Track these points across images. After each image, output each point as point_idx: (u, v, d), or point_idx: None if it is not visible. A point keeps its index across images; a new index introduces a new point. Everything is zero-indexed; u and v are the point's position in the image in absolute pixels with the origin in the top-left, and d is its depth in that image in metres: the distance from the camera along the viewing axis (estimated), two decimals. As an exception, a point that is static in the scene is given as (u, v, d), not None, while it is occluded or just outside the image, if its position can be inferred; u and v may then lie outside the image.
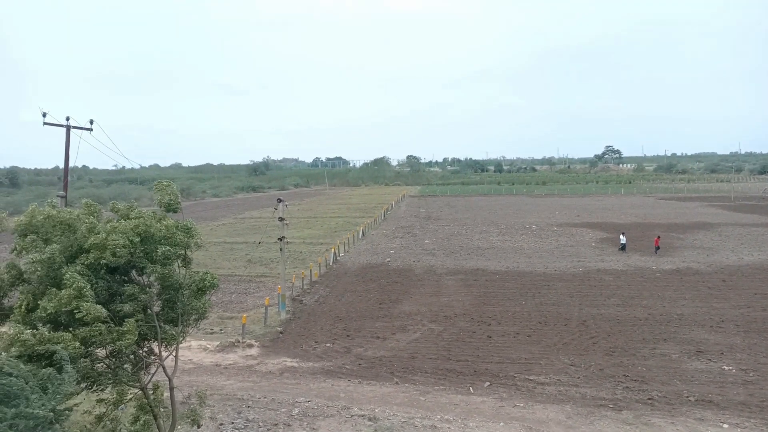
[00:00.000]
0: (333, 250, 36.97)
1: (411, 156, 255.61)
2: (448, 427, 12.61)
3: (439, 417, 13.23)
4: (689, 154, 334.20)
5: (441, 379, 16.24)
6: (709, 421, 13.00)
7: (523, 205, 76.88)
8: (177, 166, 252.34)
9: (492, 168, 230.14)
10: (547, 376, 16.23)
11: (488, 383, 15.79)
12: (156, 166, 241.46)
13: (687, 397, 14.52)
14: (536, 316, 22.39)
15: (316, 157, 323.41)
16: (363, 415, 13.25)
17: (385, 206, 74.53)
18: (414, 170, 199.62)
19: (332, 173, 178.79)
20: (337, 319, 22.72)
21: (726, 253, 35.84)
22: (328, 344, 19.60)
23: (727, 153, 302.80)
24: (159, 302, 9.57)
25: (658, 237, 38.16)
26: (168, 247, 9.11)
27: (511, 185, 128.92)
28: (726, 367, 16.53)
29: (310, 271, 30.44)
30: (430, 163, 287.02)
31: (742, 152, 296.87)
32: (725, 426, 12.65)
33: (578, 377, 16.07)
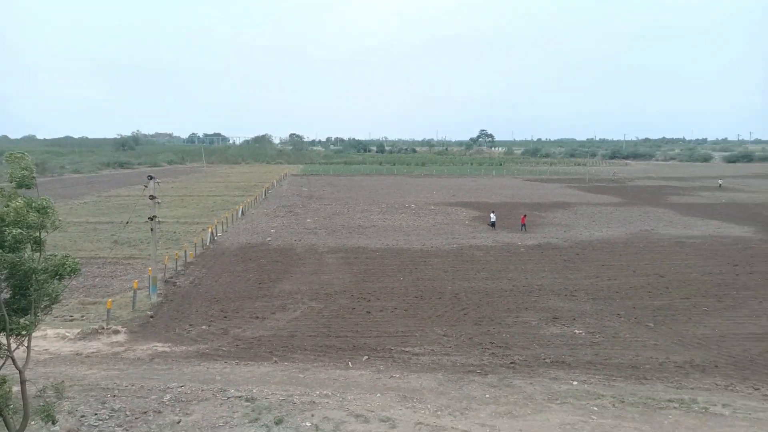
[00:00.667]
0: (210, 229, 35.53)
1: (294, 134, 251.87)
2: (327, 402, 12.79)
3: (318, 393, 13.36)
4: (553, 139, 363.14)
5: (320, 355, 16.39)
6: (562, 379, 14.42)
7: (403, 185, 79.04)
8: (30, 139, 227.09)
9: (374, 148, 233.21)
10: (422, 347, 17.00)
11: (366, 357, 16.20)
12: (5, 138, 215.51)
13: (544, 359, 15.98)
14: (413, 291, 23.28)
15: (193, 133, 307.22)
16: (240, 396, 13.01)
17: (267, 185, 72.89)
18: (297, 149, 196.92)
19: (210, 150, 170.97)
20: (213, 300, 21.96)
21: (580, 229, 39.60)
22: (203, 327, 18.92)
23: (585, 139, 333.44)
24: (8, 289, 8.63)
25: (525, 215, 41.17)
26: (20, 230, 8.20)
27: (392, 165, 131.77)
28: (577, 331, 18.38)
29: (185, 251, 29.05)
30: (313, 142, 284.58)
31: (597, 139, 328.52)
32: (575, 383, 14.10)
33: (450, 346, 17.02)
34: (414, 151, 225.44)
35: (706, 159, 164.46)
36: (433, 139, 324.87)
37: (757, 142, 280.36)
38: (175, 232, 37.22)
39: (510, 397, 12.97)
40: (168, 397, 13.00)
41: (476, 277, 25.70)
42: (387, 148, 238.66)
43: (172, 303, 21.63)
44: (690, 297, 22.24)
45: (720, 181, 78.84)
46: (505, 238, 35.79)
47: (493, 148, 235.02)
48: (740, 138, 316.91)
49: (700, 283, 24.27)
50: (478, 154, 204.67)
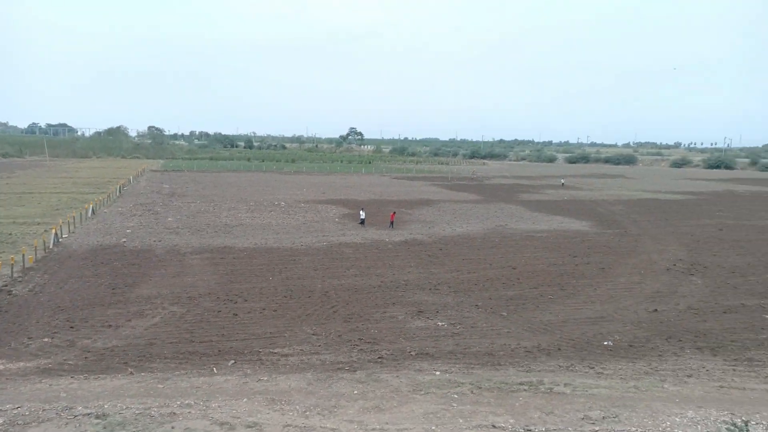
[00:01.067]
0: (54, 230, 32.07)
1: (153, 127, 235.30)
2: (189, 412, 12.15)
3: (179, 403, 12.64)
4: (419, 138, 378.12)
5: (182, 363, 15.55)
6: (426, 370, 15.08)
7: (272, 182, 77.53)
8: None
9: (242, 144, 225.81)
10: (290, 347, 16.82)
11: (233, 361, 15.67)
12: None
13: (409, 352, 16.60)
14: (282, 290, 22.95)
15: (33, 123, 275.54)
16: (89, 414, 11.90)
17: (122, 181, 67.46)
18: (156, 143, 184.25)
19: (54, 142, 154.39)
20: (57, 309, 19.87)
21: (443, 225, 41.69)
22: (45, 339, 17.04)
23: (447, 139, 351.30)
24: None
25: (394, 213, 42.41)
26: None
27: (261, 162, 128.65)
28: (440, 323, 19.34)
29: (23, 255, 25.95)
30: (175, 136, 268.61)
31: (458, 139, 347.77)
32: (437, 373, 14.82)
33: (319, 345, 17.04)
34: (284, 147, 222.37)
35: (552, 160, 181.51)
36: (303, 135, 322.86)
37: (593, 145, 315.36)
38: (10, 234, 33.11)
39: (377, 392, 13.29)
40: (0, 421, 11.52)
41: (346, 274, 25.98)
42: (255, 144, 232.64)
43: (6, 314, 19.21)
44: (538, 287, 24.39)
45: (562, 180, 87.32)
46: (374, 235, 36.59)
47: (362, 146, 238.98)
48: (579, 141, 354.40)
49: (546, 274, 26.72)
50: (348, 151, 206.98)
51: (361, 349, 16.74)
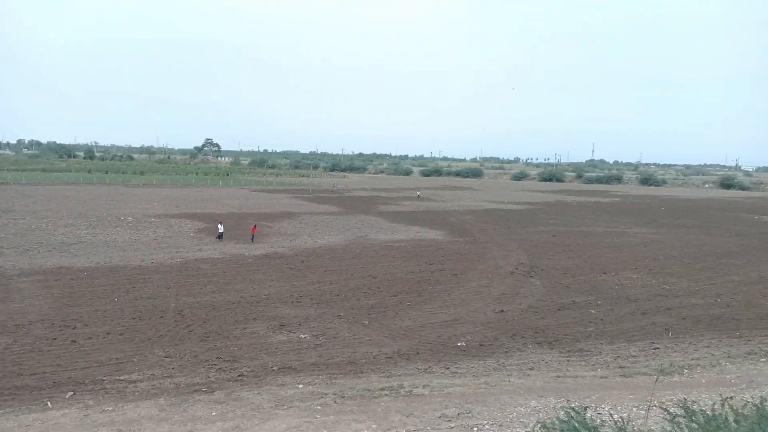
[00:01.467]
0: None
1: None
2: (17, 455, 10.70)
3: (3, 446, 11.08)
4: (278, 151, 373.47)
5: (8, 400, 13.64)
6: (289, 384, 14.82)
7: (118, 196, 71.52)
8: None
9: (82, 154, 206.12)
10: (140, 372, 15.56)
11: (72, 393, 14.09)
12: None
13: (271, 367, 16.21)
14: (130, 311, 21.20)
15: None
16: None
17: (-72, 195, 57.83)
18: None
19: None
20: None
21: (305, 237, 41.50)
22: None
23: (308, 152, 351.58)
24: None
25: (254, 226, 41.28)
26: None
27: (104, 174, 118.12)
28: (302, 336, 19.16)
29: None
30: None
31: (319, 152, 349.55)
32: (300, 386, 14.64)
33: (173, 368, 15.97)
34: (131, 158, 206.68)
35: (408, 173, 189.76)
36: (153, 146, 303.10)
37: (445, 159, 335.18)
38: None
39: (237, 411, 12.78)
40: None
41: (202, 291, 24.73)
42: (98, 155, 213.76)
43: None
44: (397, 294, 25.22)
45: (418, 192, 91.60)
46: (233, 250, 35.32)
47: (219, 158, 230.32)
48: (433, 155, 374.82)
49: (405, 281, 27.74)
50: (203, 163, 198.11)
51: (219, 369, 15.99)
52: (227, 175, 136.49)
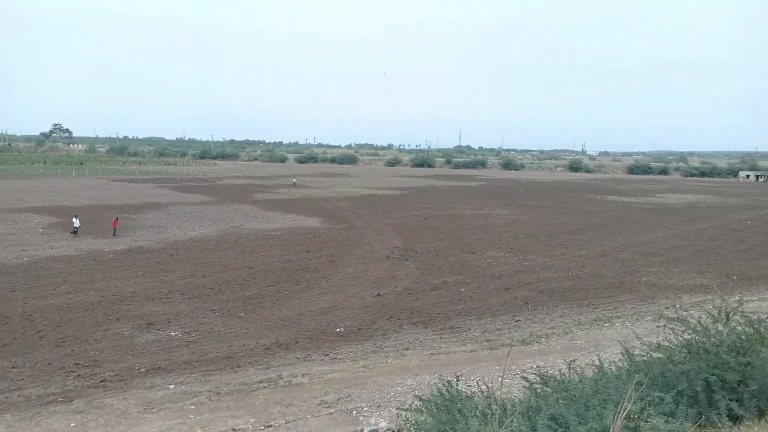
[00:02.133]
0: None
1: None
2: None
3: None
4: (140, 137, 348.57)
5: None
6: (158, 386, 13.99)
7: (-55, 189, 62.40)
8: None
9: None
10: (-19, 388, 13.79)
11: None
12: None
13: (138, 369, 15.19)
14: (-34, 320, 18.67)
15: None
16: None
17: None
18: None
19: None
20: None
21: (174, 229, 39.25)
22: None
23: (174, 139, 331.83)
24: None
25: (116, 218, 38.21)
26: None
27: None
28: (173, 333, 18.16)
29: None
30: None
31: (187, 139, 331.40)
32: (171, 386, 13.89)
33: (22, 379, 14.36)
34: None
35: (283, 160, 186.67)
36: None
37: (320, 146, 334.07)
38: None
39: (100, 419, 11.83)
40: None
41: (56, 292, 22.45)
42: None
43: None
44: (274, 284, 24.79)
45: (294, 180, 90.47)
46: (91, 246, 32.45)
47: (71, 145, 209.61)
48: (308, 142, 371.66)
49: (282, 271, 27.34)
50: (53, 151, 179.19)
51: (78, 375, 14.65)
52: (81, 164, 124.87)
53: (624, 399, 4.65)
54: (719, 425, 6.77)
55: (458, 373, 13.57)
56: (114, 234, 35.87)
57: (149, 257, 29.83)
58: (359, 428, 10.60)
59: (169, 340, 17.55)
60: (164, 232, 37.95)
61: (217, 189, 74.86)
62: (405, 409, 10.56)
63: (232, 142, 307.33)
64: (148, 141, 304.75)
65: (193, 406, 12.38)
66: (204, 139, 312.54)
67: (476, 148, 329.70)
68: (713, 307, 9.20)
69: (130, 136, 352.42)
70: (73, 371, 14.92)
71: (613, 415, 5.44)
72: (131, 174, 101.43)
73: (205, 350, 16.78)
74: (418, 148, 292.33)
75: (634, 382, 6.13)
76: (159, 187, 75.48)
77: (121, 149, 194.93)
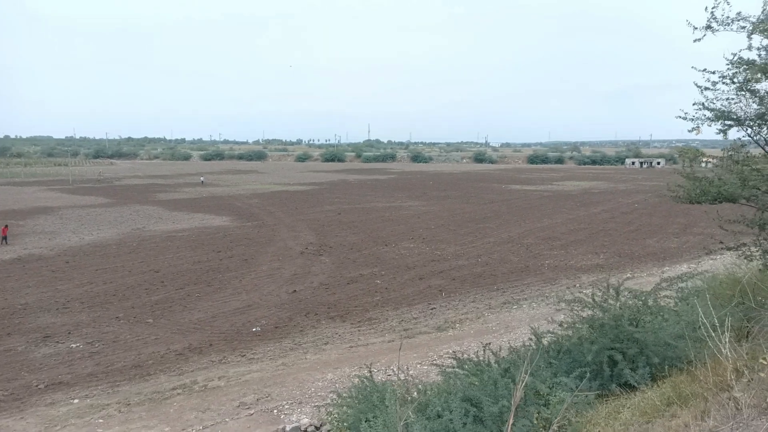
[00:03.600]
0: None
1: None
2: None
3: None
4: (24, 136, 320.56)
5: None
6: (61, 401, 13.05)
7: None
8: None
9: None
10: None
11: None
12: None
13: (37, 386, 14.06)
14: None
15: None
16: None
17: None
18: None
19: None
20: None
21: (68, 235, 36.55)
22: None
23: (64, 137, 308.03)
24: None
25: (6, 226, 34.91)
26: None
27: None
28: (74, 345, 16.97)
29: None
30: None
31: (78, 137, 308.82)
32: (75, 401, 12.99)
33: None
34: None
35: (187, 158, 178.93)
36: None
37: (226, 142, 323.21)
38: None
39: (-5, 444, 10.87)
40: None
41: (-69, 309, 20.21)
42: None
43: None
44: (184, 287, 23.81)
45: (202, 178, 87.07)
46: (-29, 256, 29.48)
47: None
48: (212, 139, 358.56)
49: (192, 273, 26.30)
50: None
51: (-35, 399, 13.33)
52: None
53: (521, 371, 4.96)
54: (618, 393, 7.38)
55: (373, 363, 13.81)
56: (5, 242, 32.78)
57: (42, 265, 27.60)
58: (281, 426, 10.48)
59: (69, 353, 16.37)
60: (57, 238, 35.24)
61: (116, 190, 70.51)
62: (325, 404, 10.61)
63: (129, 139, 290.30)
64: (33, 140, 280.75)
65: (101, 420, 11.66)
66: (97, 138, 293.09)
67: (385, 141, 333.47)
68: (603, 283, 9.98)
69: (12, 136, 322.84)
70: (-42, 395, 13.55)
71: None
72: (15, 176, 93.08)
73: (110, 360, 15.83)
74: (327, 143, 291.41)
75: (528, 355, 6.56)
76: (49, 189, 69.90)
77: (3, 150, 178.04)
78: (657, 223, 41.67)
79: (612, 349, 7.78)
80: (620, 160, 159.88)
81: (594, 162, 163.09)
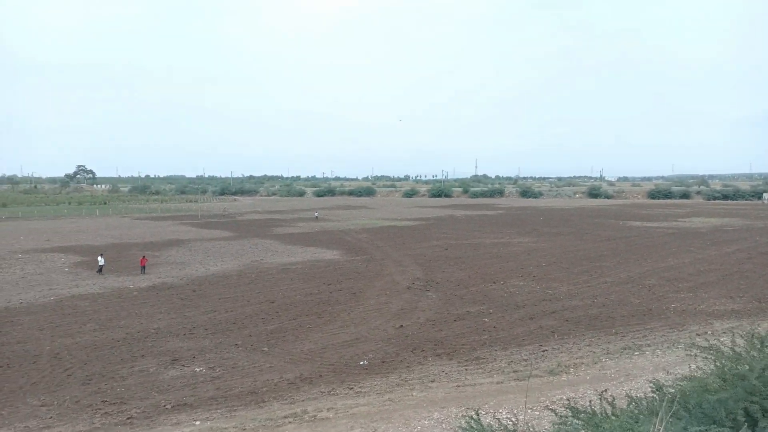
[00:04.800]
0: None
1: None
2: None
3: None
4: (162, 176, 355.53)
5: None
6: (184, 422, 13.96)
7: (-25, 231, 64.02)
8: None
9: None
10: (10, 427, 13.90)
11: (-76, 460, 12.27)
12: None
13: (164, 405, 15.19)
14: (-5, 360, 18.93)
15: None
16: None
17: None
18: None
19: None
20: None
21: (196, 265, 39.63)
22: None
23: (194, 176, 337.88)
24: None
25: (144, 257, 38.70)
26: None
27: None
28: (198, 369, 18.18)
29: None
30: None
31: (206, 176, 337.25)
32: (197, 423, 13.85)
33: (51, 417, 14.45)
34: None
35: (301, 194, 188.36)
36: (16, 175, 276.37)
37: (337, 179, 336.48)
38: None
39: (128, 458, 11.81)
40: None
41: (82, 330, 22.71)
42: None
43: None
44: (297, 317, 24.78)
45: (316, 213, 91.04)
46: (115, 283, 32.88)
47: (94, 185, 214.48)
48: (325, 176, 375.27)
49: (304, 304, 27.34)
50: (77, 192, 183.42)
51: (105, 413, 14.70)
52: (105, 203, 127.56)
53: (655, 422, 4.54)
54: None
55: (480, 406, 13.35)
56: (143, 272, 36.26)
57: (172, 293, 30.10)
58: (388, 463, 10.42)
59: (193, 376, 17.56)
60: (186, 268, 38.33)
61: (237, 224, 75.64)
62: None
63: (251, 177, 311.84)
64: (169, 179, 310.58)
65: (219, 443, 12.30)
66: (223, 176, 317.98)
67: (493, 177, 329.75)
68: (746, 332, 8.97)
69: (152, 175, 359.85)
70: (100, 408, 14.98)
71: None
72: (153, 212, 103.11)
73: (229, 385, 16.75)
74: (435, 178, 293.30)
75: (664, 404, 5.99)
76: (180, 224, 76.54)
77: (143, 188, 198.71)
78: (805, 265, 36.98)
79: (747, 401, 6.93)
80: (757, 195, 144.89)
81: (725, 197, 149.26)
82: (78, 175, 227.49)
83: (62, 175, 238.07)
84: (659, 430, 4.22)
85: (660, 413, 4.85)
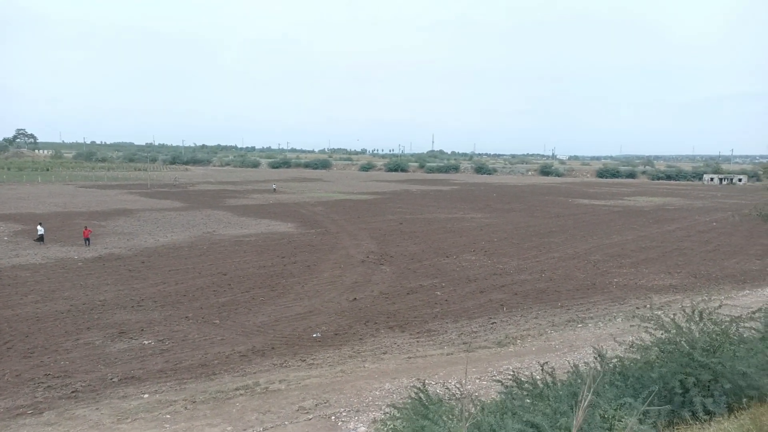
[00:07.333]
0: None
1: None
2: None
3: None
4: (109, 142, 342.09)
5: None
6: (132, 395, 13.74)
7: None
8: None
9: None
10: (-55, 402, 13.34)
11: None
12: None
13: (111, 379, 14.88)
14: (-73, 332, 18.03)
15: None
16: None
17: None
18: None
19: None
20: None
21: (144, 236, 38.57)
22: None
23: (144, 144, 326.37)
24: None
25: (87, 228, 37.11)
26: None
27: None
28: (146, 342, 17.84)
29: None
30: None
31: (157, 144, 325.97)
32: (146, 396, 13.64)
33: (-11, 392, 13.94)
34: None
35: (256, 165, 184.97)
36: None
37: (293, 150, 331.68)
38: None
39: (72, 431, 11.56)
40: None
41: (23, 301, 21.86)
42: None
43: None
44: (249, 290, 24.56)
45: (274, 185, 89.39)
46: (59, 253, 31.68)
47: (36, 151, 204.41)
48: (281, 147, 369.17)
49: (257, 277, 27.11)
50: (17, 157, 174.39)
51: (48, 387, 14.29)
52: (47, 170, 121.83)
53: (583, 390, 4.77)
54: (691, 422, 6.97)
55: (430, 377, 13.70)
56: (87, 244, 34.77)
57: (120, 265, 29.26)
58: (338, 433, 10.58)
59: (142, 349, 17.23)
60: (135, 239, 37.27)
61: (189, 195, 73.82)
62: (381, 419, 10.62)
63: (203, 147, 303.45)
64: (117, 146, 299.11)
65: (168, 415, 12.19)
66: (174, 144, 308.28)
67: (449, 152, 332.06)
68: (688, 306, 9.47)
69: (98, 141, 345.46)
70: (43, 382, 14.54)
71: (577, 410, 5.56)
72: (100, 180, 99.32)
73: (179, 358, 16.53)
74: (391, 152, 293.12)
75: (591, 374, 6.30)
76: (129, 193, 74.10)
77: (89, 155, 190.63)
78: (737, 243, 39.22)
79: (683, 374, 7.38)
80: (698, 176, 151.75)
81: (669, 177, 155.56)
82: (18, 139, 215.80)
83: (0, 139, 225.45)
84: (586, 396, 4.43)
85: (588, 381, 5.07)
